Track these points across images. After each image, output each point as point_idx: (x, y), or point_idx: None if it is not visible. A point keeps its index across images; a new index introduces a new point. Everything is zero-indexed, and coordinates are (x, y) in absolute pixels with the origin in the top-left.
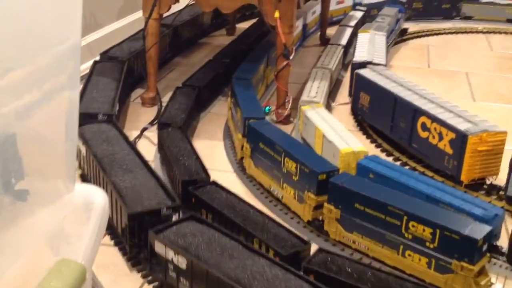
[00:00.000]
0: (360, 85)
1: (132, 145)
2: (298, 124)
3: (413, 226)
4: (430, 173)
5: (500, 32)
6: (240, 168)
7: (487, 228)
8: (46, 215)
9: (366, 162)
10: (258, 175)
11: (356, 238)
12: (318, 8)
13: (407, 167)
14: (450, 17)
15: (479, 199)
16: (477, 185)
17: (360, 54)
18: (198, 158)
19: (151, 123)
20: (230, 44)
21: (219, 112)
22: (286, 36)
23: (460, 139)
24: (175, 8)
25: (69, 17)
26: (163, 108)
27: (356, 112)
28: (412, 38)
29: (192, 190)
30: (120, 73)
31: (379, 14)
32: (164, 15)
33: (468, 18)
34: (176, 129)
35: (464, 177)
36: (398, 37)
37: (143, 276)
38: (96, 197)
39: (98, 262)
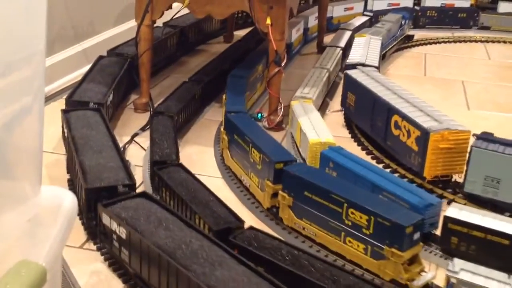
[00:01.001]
0: (348, 85)
1: (110, 131)
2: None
3: (352, 213)
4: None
5: (499, 41)
6: (228, 173)
7: (417, 216)
8: (12, 217)
9: (328, 152)
10: (233, 166)
11: (305, 224)
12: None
13: (397, 174)
14: (467, 27)
15: (422, 190)
16: (442, 182)
17: (354, 56)
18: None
19: (142, 129)
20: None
21: (213, 118)
22: (277, 43)
23: (423, 136)
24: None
25: (33, 38)
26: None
27: (347, 115)
28: (410, 47)
29: (156, 170)
30: (120, 68)
31: (381, 20)
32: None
33: (486, 28)
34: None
35: (427, 173)
36: (402, 43)
37: (98, 249)
38: (64, 199)
39: (79, 266)
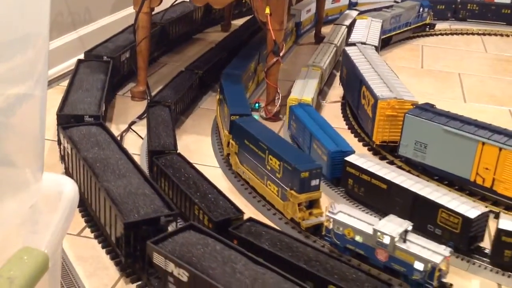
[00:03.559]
0: (344, 61)
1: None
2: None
3: (270, 159)
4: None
5: (495, 34)
6: (226, 164)
7: (315, 165)
8: (13, 204)
9: (294, 107)
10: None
11: (244, 169)
12: (313, 6)
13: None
14: None
15: (344, 141)
16: (390, 147)
17: (355, 35)
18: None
19: (139, 117)
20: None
21: (209, 107)
22: (276, 33)
23: (375, 104)
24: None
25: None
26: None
27: (345, 104)
28: (407, 39)
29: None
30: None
31: (392, 5)
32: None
33: None
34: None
35: (375, 138)
36: (420, 31)
37: (95, 237)
38: (66, 187)
39: (77, 254)
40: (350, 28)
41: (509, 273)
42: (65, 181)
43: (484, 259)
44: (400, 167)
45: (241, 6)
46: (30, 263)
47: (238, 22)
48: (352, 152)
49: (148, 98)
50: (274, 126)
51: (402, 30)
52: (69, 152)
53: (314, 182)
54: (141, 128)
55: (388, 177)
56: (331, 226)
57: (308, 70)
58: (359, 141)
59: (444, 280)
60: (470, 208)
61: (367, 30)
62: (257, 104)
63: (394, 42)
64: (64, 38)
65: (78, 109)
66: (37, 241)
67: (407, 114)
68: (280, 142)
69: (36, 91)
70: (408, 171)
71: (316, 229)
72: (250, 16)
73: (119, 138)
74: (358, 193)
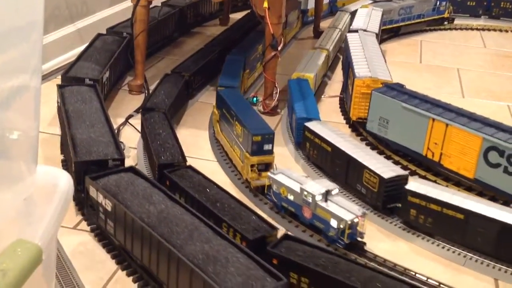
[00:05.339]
0: (344, 45)
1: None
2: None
3: (236, 125)
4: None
5: (494, 30)
6: (223, 157)
7: (268, 130)
8: (7, 196)
9: (291, 82)
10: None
11: (222, 137)
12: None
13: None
14: None
15: (316, 110)
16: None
17: (356, 23)
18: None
19: (137, 111)
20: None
21: (207, 101)
22: (274, 27)
23: (352, 82)
24: None
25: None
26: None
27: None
28: (405, 33)
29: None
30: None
31: None
32: None
33: None
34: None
35: (352, 114)
36: (437, 24)
37: (85, 219)
38: (60, 179)
39: (73, 247)
40: (353, 15)
41: (417, 232)
42: (60, 174)
43: (397, 218)
44: (369, 143)
45: (236, 0)
46: (23, 255)
47: (236, 16)
48: (317, 119)
49: (146, 91)
50: (272, 120)
51: (412, 22)
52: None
53: (267, 147)
54: (139, 121)
55: (333, 141)
56: (272, 186)
57: (315, 52)
58: (357, 135)
59: (359, 239)
60: (389, 170)
61: (368, 18)
62: (254, 98)
63: (404, 33)
64: (62, 31)
65: (80, 73)
66: (31, 234)
67: (373, 91)
68: (248, 111)
69: (31, 83)
70: (376, 146)
71: (263, 189)
72: (249, 10)
73: (116, 131)
74: (312, 155)
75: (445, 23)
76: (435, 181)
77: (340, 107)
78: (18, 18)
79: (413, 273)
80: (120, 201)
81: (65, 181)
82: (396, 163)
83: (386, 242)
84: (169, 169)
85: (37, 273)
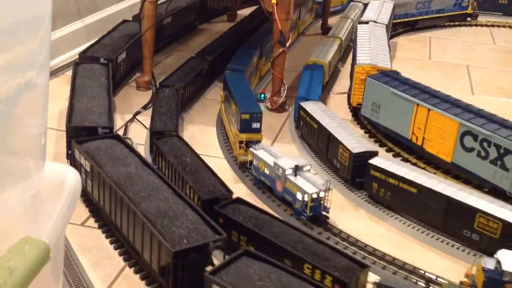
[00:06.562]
0: (354, 36)
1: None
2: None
3: (232, 105)
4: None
5: (504, 26)
6: (230, 154)
7: (256, 109)
8: (15, 193)
9: (306, 67)
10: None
11: (224, 117)
12: None
13: (398, 158)
14: None
15: (317, 92)
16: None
17: (367, 14)
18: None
19: (144, 107)
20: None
21: (214, 98)
22: (282, 23)
23: (352, 69)
24: None
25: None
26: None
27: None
28: (414, 30)
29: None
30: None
31: None
32: None
33: None
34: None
35: (352, 100)
36: (459, 20)
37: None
38: (68, 176)
39: (81, 244)
40: (366, 6)
41: (383, 207)
42: (67, 171)
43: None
44: (365, 128)
45: None
46: (31, 253)
47: (244, 12)
48: (317, 100)
49: (154, 88)
50: (280, 117)
51: (431, 16)
52: None
53: (255, 125)
54: (146, 118)
55: (319, 119)
56: (253, 161)
57: (329, 40)
58: (365, 133)
59: (324, 213)
60: (360, 146)
61: (379, 10)
62: (262, 95)
63: (421, 27)
64: (70, 27)
65: (97, 53)
66: (38, 231)
67: (367, 78)
68: (244, 92)
69: (38, 80)
70: (369, 130)
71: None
72: (257, 6)
73: (123, 128)
74: (304, 133)
75: (468, 19)
76: (415, 164)
77: (348, 104)
78: (26, 14)
79: (364, 244)
80: (97, 162)
81: (73, 178)
82: (383, 145)
83: (349, 212)
84: (158, 136)
85: (45, 270)
